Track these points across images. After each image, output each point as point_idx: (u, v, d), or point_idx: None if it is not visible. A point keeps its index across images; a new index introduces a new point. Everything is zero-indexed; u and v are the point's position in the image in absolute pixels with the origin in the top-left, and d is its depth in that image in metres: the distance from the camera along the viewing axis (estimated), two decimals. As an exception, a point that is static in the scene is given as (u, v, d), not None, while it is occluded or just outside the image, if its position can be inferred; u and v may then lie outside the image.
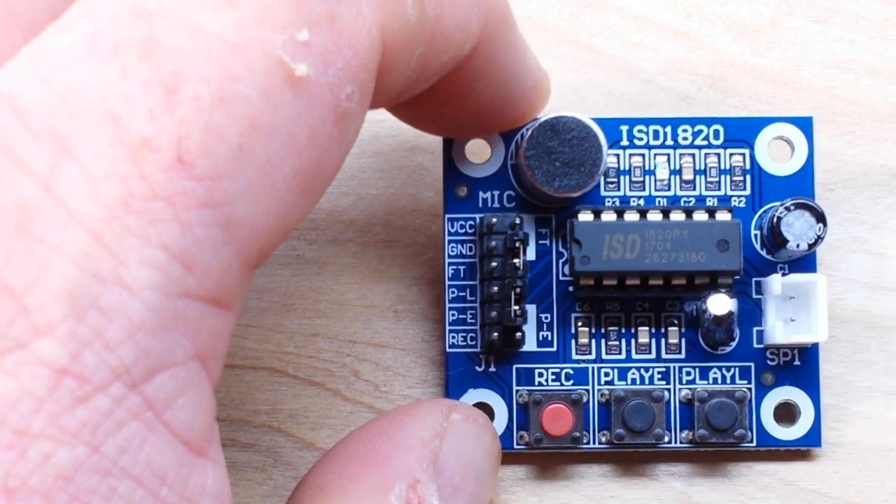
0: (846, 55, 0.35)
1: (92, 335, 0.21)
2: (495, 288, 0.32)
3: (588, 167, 0.32)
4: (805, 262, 0.34)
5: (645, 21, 0.36)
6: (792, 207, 0.32)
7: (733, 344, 0.33)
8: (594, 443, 0.33)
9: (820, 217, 0.32)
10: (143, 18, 0.22)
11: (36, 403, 0.21)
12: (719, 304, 0.32)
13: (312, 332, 0.35)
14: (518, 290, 0.32)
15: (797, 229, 0.32)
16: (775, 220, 0.32)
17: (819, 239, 0.32)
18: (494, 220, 0.32)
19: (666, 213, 0.33)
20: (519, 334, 0.33)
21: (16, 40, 0.24)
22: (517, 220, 0.32)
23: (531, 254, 0.33)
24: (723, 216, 0.33)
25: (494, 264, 0.32)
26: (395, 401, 0.34)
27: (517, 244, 0.32)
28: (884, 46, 0.35)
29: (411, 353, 0.35)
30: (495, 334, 0.32)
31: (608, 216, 0.33)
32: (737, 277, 0.33)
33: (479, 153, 0.34)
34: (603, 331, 0.34)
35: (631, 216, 0.33)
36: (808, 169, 0.34)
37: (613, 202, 0.33)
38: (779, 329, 0.33)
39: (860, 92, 0.35)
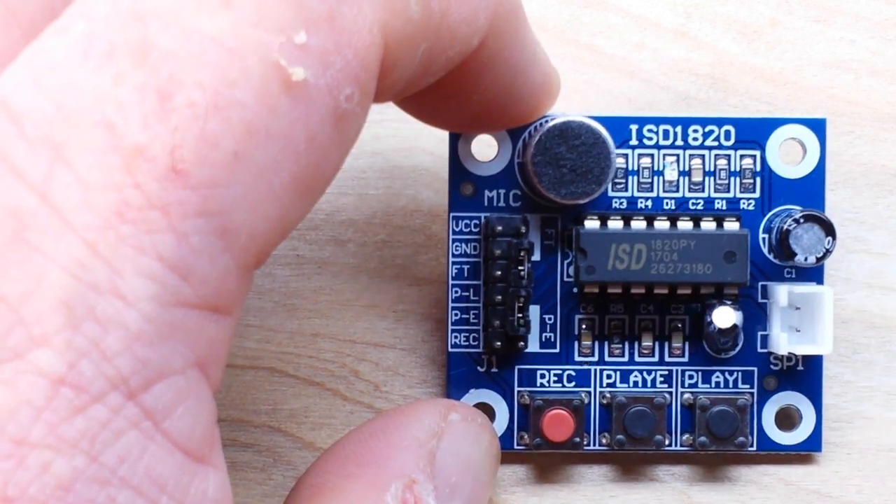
0: (846, 55, 0.35)
1: (89, 345, 0.21)
2: (499, 297, 0.32)
3: (596, 174, 0.32)
4: (813, 269, 0.33)
5: (645, 21, 0.35)
6: (801, 220, 0.32)
7: (737, 349, 0.33)
8: (594, 444, 0.33)
9: (829, 230, 0.32)
10: (137, 20, 0.22)
11: (34, 412, 0.21)
12: (724, 317, 0.32)
13: (312, 332, 0.35)
14: (522, 299, 0.32)
15: (806, 242, 0.32)
16: (784, 232, 0.32)
17: (827, 252, 0.32)
18: (500, 227, 0.32)
19: (673, 220, 0.33)
20: (521, 343, 0.33)
21: (16, 41, 0.24)
22: (522, 229, 0.32)
23: (536, 254, 0.33)
24: (731, 225, 0.32)
25: (499, 273, 0.32)
26: (396, 401, 0.34)
27: (522, 254, 0.32)
28: (884, 46, 0.35)
29: (412, 353, 0.35)
30: (498, 343, 0.32)
31: (614, 223, 0.32)
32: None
33: (486, 151, 0.34)
34: (606, 333, 0.33)
35: (637, 223, 0.32)
36: (819, 172, 0.33)
37: (621, 203, 0.33)
38: (783, 340, 0.32)
39: (860, 92, 0.35)
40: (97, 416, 0.21)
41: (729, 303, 0.32)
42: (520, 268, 0.32)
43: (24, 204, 0.21)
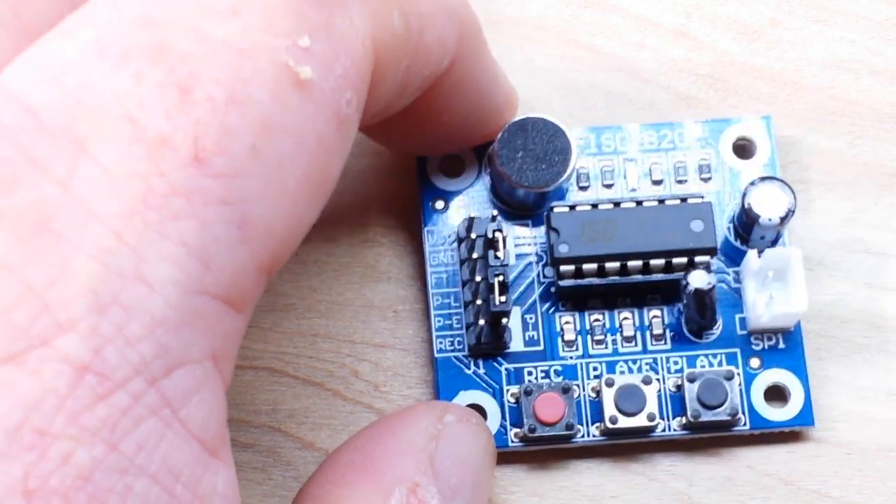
0: (846, 55, 0.36)
1: (114, 331, 0.21)
2: (479, 277, 0.33)
3: (559, 162, 0.33)
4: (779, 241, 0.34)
5: (645, 21, 0.36)
6: (757, 182, 0.33)
7: (717, 330, 0.34)
8: (588, 436, 0.33)
9: (788, 190, 0.33)
10: (149, 25, 0.22)
11: (58, 402, 0.21)
12: (699, 277, 0.33)
13: (312, 333, 0.34)
14: (500, 278, 0.32)
15: (767, 203, 0.33)
16: (744, 197, 0.33)
17: (790, 212, 0.33)
18: (474, 215, 0.33)
19: (639, 203, 0.33)
20: (505, 320, 0.33)
21: (19, 42, 0.24)
22: (495, 212, 0.33)
23: (510, 258, 0.34)
24: (694, 200, 0.33)
25: (476, 255, 0.33)
26: (395, 401, 0.34)
27: (496, 234, 0.32)
28: (884, 46, 0.36)
29: (411, 353, 0.35)
30: (482, 322, 0.33)
31: (583, 208, 0.33)
32: (712, 259, 0.33)
33: (453, 167, 0.34)
34: (588, 327, 0.34)
35: (605, 207, 0.33)
36: (772, 163, 0.34)
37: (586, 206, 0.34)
38: (761, 302, 0.33)
39: (860, 92, 0.35)
40: (119, 403, 0.21)
41: (702, 266, 0.33)
42: (497, 252, 0.32)
43: (49, 195, 0.21)
